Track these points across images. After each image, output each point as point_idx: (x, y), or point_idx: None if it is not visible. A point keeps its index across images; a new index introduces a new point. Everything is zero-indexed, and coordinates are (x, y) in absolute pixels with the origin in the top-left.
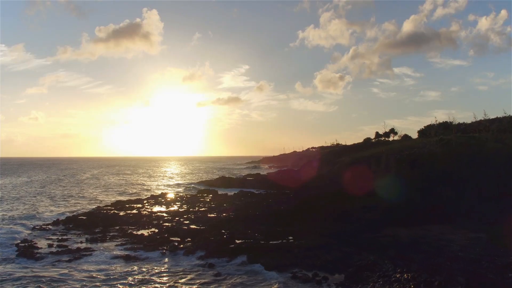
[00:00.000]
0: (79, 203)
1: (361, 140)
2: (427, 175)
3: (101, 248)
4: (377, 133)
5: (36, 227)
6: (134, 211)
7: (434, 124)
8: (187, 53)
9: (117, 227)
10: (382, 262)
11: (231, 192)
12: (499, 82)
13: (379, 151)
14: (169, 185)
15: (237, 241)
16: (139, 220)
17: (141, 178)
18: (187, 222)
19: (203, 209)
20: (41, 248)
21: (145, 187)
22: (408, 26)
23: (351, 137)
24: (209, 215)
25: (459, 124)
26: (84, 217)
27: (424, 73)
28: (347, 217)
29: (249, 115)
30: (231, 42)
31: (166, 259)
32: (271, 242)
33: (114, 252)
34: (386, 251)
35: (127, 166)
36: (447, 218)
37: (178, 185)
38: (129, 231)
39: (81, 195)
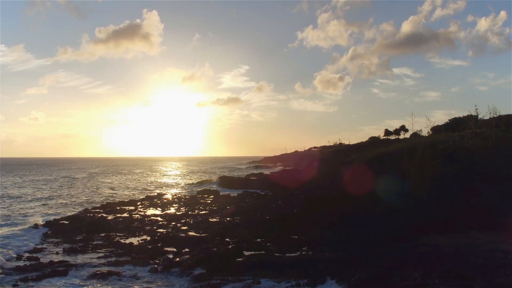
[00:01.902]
0: (67, 204)
1: (361, 140)
2: (467, 172)
3: (80, 261)
4: (386, 130)
5: (9, 233)
6: (125, 215)
7: (460, 117)
8: (187, 54)
9: (103, 234)
10: (432, 282)
11: (234, 193)
12: (499, 82)
13: (405, 146)
14: (166, 185)
15: (246, 253)
16: (129, 225)
17: (138, 178)
18: (185, 228)
19: (204, 212)
20: (7, 261)
21: (141, 187)
22: (407, 27)
23: (351, 137)
24: (210, 219)
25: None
26: (67, 222)
27: (424, 73)
28: (372, 221)
29: (249, 115)
30: (230, 43)
31: (157, 278)
32: (287, 254)
33: (93, 268)
34: (432, 266)
35: (125, 166)
36: (493, 224)
37: (177, 185)
38: (116, 239)
39: (71, 195)
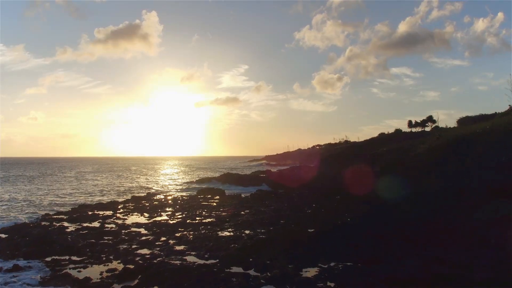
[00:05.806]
0: (27, 206)
1: (362, 139)
2: None
3: None
4: (410, 122)
5: None
6: (95, 224)
7: None
8: (185, 54)
9: (49, 259)
10: None
11: (244, 192)
12: (499, 82)
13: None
14: (161, 184)
15: None
16: (95, 242)
17: (131, 176)
18: (181, 248)
19: (209, 220)
20: None
21: (132, 186)
22: (404, 27)
23: (351, 137)
24: (219, 232)
25: None
26: (5, 235)
27: (423, 73)
28: (481, 233)
29: (248, 115)
30: (229, 43)
31: None
32: None
33: None
34: None
35: (123, 165)
36: None
37: (174, 183)
38: (66, 269)
39: (43, 196)
